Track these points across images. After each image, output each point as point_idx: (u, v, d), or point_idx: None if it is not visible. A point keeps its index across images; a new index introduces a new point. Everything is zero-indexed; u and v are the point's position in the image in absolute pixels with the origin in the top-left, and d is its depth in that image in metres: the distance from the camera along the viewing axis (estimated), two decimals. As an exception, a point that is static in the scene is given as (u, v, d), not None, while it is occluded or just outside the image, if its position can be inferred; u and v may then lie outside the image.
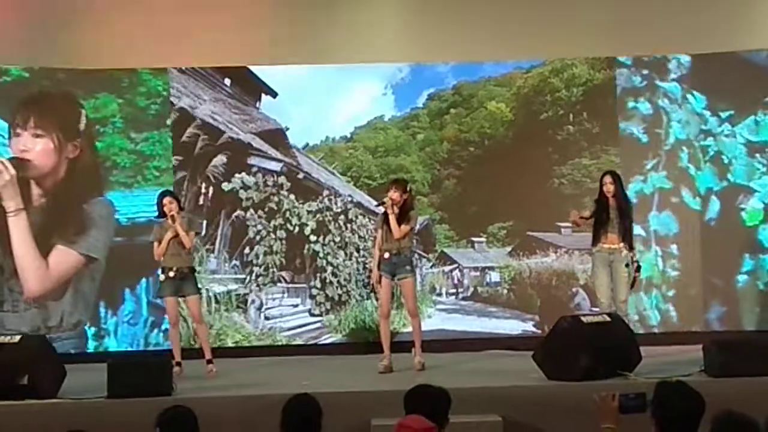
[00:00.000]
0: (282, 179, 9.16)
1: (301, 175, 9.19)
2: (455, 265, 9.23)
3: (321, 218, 9.19)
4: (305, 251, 9.14)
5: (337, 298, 9.16)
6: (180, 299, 7.48)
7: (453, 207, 9.21)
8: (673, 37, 8.84)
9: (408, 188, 7.42)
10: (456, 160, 9.27)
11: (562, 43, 8.93)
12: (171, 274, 7.35)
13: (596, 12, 8.79)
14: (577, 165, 9.12)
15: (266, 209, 9.11)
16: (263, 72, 9.13)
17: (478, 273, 9.23)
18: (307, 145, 9.20)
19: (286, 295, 9.16)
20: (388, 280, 7.28)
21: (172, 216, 7.32)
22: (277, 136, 9.19)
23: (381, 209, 7.44)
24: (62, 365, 6.51)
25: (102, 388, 6.13)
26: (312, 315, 9.12)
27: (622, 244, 7.43)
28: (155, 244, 7.43)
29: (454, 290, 9.23)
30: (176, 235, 7.32)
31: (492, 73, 9.27)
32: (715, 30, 8.80)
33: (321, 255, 9.15)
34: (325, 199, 9.20)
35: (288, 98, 9.22)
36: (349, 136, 9.26)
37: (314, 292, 9.15)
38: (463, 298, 9.24)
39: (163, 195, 7.56)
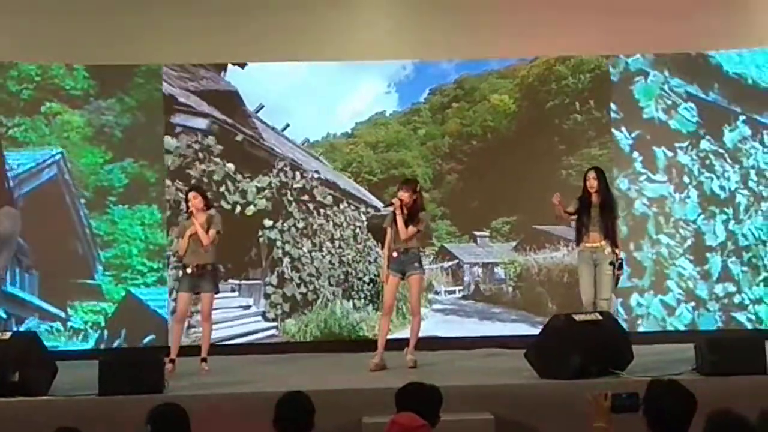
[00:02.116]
0: (210, 140, 8.32)
1: (240, 138, 8.32)
2: (455, 261, 8.96)
3: (275, 196, 8.50)
4: (260, 239, 8.43)
5: (299, 298, 8.55)
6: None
7: (455, 202, 9.01)
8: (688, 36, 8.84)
9: (418, 188, 7.37)
10: (458, 155, 9.10)
11: (566, 40, 8.84)
12: (189, 270, 7.34)
13: (602, 9, 8.75)
14: (586, 155, 8.89)
15: (191, 179, 8.39)
16: (265, 68, 8.92)
17: (480, 269, 8.91)
18: (308, 140, 8.97)
19: (237, 293, 8.45)
20: (396, 279, 7.28)
21: (191, 212, 7.33)
22: (226, 99, 8.41)
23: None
24: (54, 362, 6.49)
25: (93, 385, 6.11)
26: (267, 319, 8.48)
27: (604, 242, 7.37)
28: (177, 240, 7.40)
29: (453, 288, 8.91)
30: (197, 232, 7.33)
31: (495, 66, 9.10)
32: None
33: (278, 244, 8.49)
34: (280, 173, 8.46)
35: (291, 95, 8.99)
36: (350, 132, 9.09)
37: (269, 290, 8.46)
38: (464, 297, 8.88)
39: (189, 190, 7.56)
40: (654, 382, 3.76)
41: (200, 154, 8.40)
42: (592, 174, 7.49)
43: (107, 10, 8.53)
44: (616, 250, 7.36)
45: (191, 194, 7.42)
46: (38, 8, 8.45)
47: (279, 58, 8.87)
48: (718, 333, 8.54)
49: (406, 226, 7.17)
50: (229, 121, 8.41)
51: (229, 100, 8.62)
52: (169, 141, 8.37)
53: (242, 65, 8.78)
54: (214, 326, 7.69)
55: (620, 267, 7.38)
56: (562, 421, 5.70)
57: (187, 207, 7.41)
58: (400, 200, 7.19)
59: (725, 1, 8.82)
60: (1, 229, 8.38)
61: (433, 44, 8.85)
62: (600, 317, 6.73)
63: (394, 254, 7.27)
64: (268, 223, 8.60)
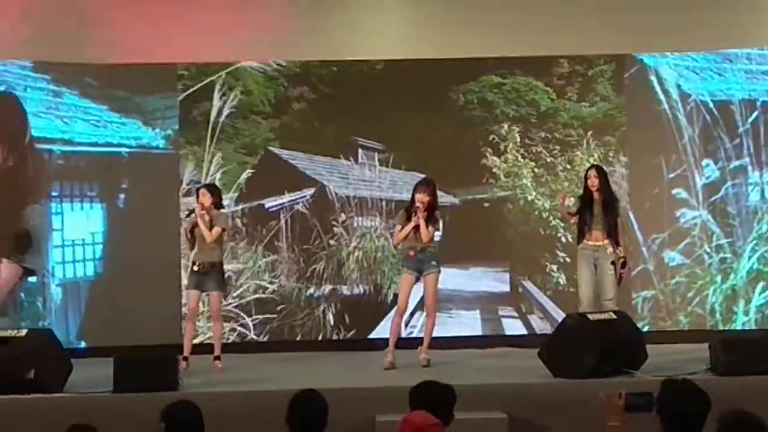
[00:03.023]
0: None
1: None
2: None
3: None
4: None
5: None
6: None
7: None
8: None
9: (436, 188, 7.35)
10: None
11: (575, 40, 8.78)
12: (195, 268, 7.36)
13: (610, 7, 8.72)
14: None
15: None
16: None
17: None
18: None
19: None
20: (411, 277, 7.26)
21: (193, 209, 7.36)
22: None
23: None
24: (68, 359, 6.53)
25: (108, 382, 6.14)
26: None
27: (607, 241, 7.33)
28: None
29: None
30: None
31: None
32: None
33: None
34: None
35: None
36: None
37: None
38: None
39: (200, 187, 7.57)
40: (668, 382, 3.74)
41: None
42: (592, 172, 7.47)
43: (108, 8, 8.54)
44: (618, 249, 7.32)
45: (201, 191, 7.42)
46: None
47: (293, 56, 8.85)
48: (733, 332, 8.50)
49: (427, 227, 7.17)
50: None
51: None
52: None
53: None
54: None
55: (623, 265, 7.35)
56: (576, 420, 5.69)
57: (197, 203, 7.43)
58: (422, 203, 7.17)
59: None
60: (34, 224, 8.41)
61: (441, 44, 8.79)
62: (614, 316, 6.71)
63: (411, 253, 7.25)
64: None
